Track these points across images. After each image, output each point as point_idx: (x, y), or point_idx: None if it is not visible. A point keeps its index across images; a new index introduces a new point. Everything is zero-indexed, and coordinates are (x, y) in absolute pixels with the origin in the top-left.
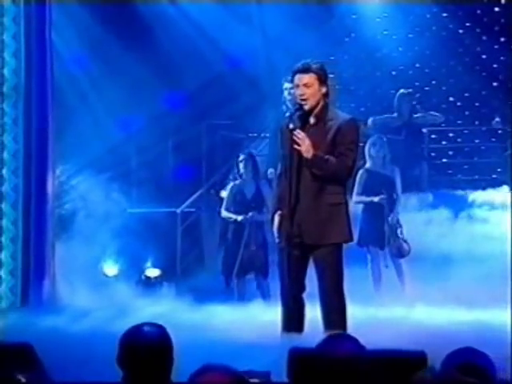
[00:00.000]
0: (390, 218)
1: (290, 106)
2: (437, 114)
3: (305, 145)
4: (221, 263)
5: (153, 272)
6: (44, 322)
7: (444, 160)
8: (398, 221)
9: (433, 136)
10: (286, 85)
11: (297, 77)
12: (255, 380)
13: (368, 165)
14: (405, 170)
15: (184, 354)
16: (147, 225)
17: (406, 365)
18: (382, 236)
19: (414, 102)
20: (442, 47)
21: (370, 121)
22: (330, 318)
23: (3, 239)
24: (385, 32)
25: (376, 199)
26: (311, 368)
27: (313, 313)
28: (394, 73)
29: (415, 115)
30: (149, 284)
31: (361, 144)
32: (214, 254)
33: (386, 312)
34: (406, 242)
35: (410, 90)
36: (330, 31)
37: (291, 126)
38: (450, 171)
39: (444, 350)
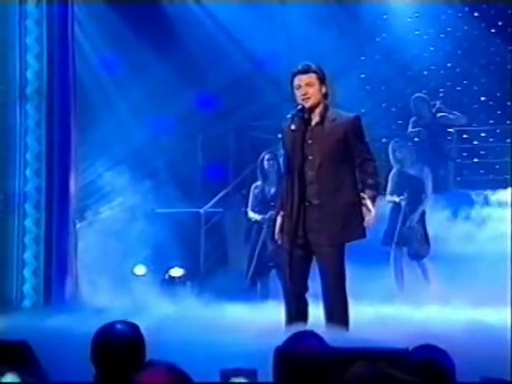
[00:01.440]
0: (408, 219)
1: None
2: (459, 114)
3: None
4: (246, 263)
5: (177, 272)
6: (66, 320)
7: (475, 160)
8: (419, 221)
9: (464, 136)
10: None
11: (297, 78)
12: (241, 379)
13: (398, 166)
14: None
15: (205, 353)
16: (173, 224)
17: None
18: (402, 236)
19: (438, 102)
20: (474, 47)
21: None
22: (333, 317)
23: (26, 239)
24: (416, 32)
25: (397, 199)
26: (290, 366)
27: (315, 312)
28: (425, 72)
29: (438, 115)
30: (172, 284)
31: None
32: (238, 253)
33: (407, 311)
34: (426, 243)
35: (425, 92)
36: (361, 31)
37: (293, 127)
38: (481, 171)
39: (467, 350)
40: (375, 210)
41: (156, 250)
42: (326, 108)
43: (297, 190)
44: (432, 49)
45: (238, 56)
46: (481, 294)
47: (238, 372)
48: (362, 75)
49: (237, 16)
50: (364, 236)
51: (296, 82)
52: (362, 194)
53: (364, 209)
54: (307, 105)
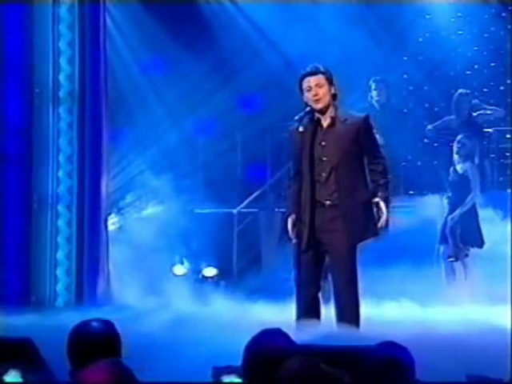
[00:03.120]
0: (449, 219)
1: (375, 104)
2: (497, 108)
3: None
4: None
5: (210, 271)
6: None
7: None
8: (459, 221)
9: (508, 136)
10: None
11: (306, 80)
12: (233, 376)
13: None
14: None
15: (224, 352)
16: (208, 225)
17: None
18: (443, 236)
19: (475, 101)
20: None
21: (430, 126)
22: (344, 316)
23: (59, 239)
24: (459, 32)
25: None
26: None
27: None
28: (468, 72)
29: (475, 114)
30: (205, 283)
31: None
32: (271, 253)
33: (446, 309)
34: (464, 244)
35: (468, 91)
36: (403, 31)
37: (301, 128)
38: None
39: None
40: (387, 212)
41: (192, 249)
42: (335, 109)
43: (308, 192)
44: (476, 48)
45: (272, 56)
46: None
47: (230, 370)
48: (405, 75)
49: (270, 16)
50: (377, 234)
51: (305, 84)
52: (375, 199)
53: (376, 210)
54: (319, 106)
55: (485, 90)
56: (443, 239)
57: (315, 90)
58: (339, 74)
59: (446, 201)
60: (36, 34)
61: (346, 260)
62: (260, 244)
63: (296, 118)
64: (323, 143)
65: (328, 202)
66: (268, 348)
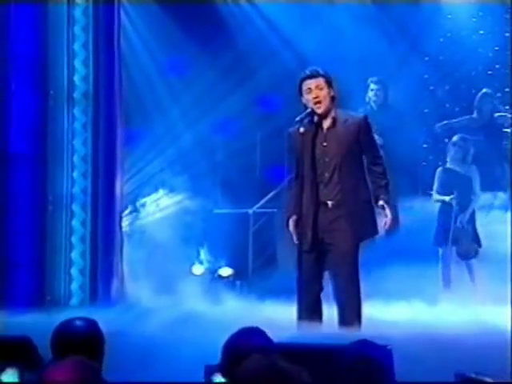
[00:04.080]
0: (458, 219)
1: (374, 106)
2: None
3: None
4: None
5: (226, 271)
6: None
7: None
8: (469, 221)
9: None
10: (372, 86)
11: (306, 83)
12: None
13: (447, 164)
14: (485, 169)
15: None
16: (224, 225)
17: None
18: (453, 235)
19: (496, 102)
20: None
21: (438, 124)
22: (346, 315)
23: (73, 239)
24: (481, 31)
25: (447, 199)
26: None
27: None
28: (489, 72)
29: (496, 115)
30: (221, 283)
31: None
32: (287, 253)
33: (453, 310)
34: (477, 243)
35: (490, 91)
36: (424, 31)
37: (302, 129)
38: None
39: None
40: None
41: (209, 249)
42: (335, 110)
43: (310, 192)
44: (497, 48)
45: (288, 55)
46: None
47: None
48: (426, 75)
49: (286, 15)
50: (377, 233)
51: (305, 86)
52: (380, 202)
53: (379, 211)
54: (320, 110)
55: (506, 89)
56: (453, 239)
57: (316, 92)
58: (355, 73)
59: (454, 201)
60: (51, 35)
61: (349, 259)
62: (276, 244)
63: (297, 119)
64: (325, 144)
65: (331, 202)
66: (245, 346)
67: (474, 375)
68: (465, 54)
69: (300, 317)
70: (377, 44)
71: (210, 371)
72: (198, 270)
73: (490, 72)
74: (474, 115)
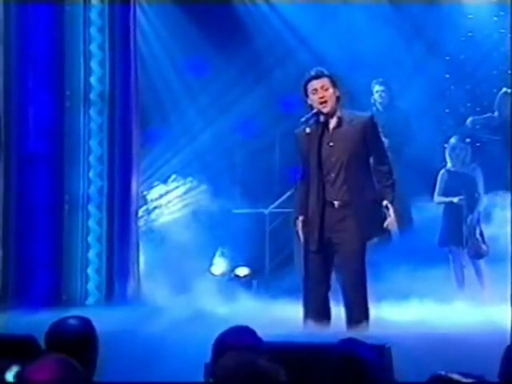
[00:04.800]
0: (468, 219)
1: (380, 108)
2: None
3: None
4: None
5: (242, 271)
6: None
7: None
8: (478, 221)
9: None
10: (377, 87)
11: (312, 83)
12: None
13: (448, 165)
14: (501, 170)
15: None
16: (242, 224)
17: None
18: (462, 236)
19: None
20: None
21: (469, 120)
22: (353, 315)
23: (90, 239)
24: (502, 30)
25: (455, 200)
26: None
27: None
28: (510, 72)
29: None
30: (238, 283)
31: None
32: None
33: (463, 311)
34: (485, 243)
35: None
36: (443, 31)
37: (308, 130)
38: None
39: None
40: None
41: (226, 249)
42: (340, 110)
43: (316, 192)
44: None
45: (304, 54)
46: None
47: None
48: (447, 75)
49: (303, 15)
50: (384, 233)
51: (311, 87)
52: (384, 202)
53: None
54: (326, 109)
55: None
56: (465, 239)
57: (321, 92)
58: (371, 73)
59: (464, 202)
60: (67, 37)
61: (356, 259)
62: (292, 244)
63: (302, 120)
64: (331, 144)
65: (337, 202)
66: (233, 345)
67: (443, 373)
68: (486, 53)
69: (306, 316)
70: (394, 44)
71: (209, 370)
72: (216, 269)
73: (510, 72)
74: (495, 114)
